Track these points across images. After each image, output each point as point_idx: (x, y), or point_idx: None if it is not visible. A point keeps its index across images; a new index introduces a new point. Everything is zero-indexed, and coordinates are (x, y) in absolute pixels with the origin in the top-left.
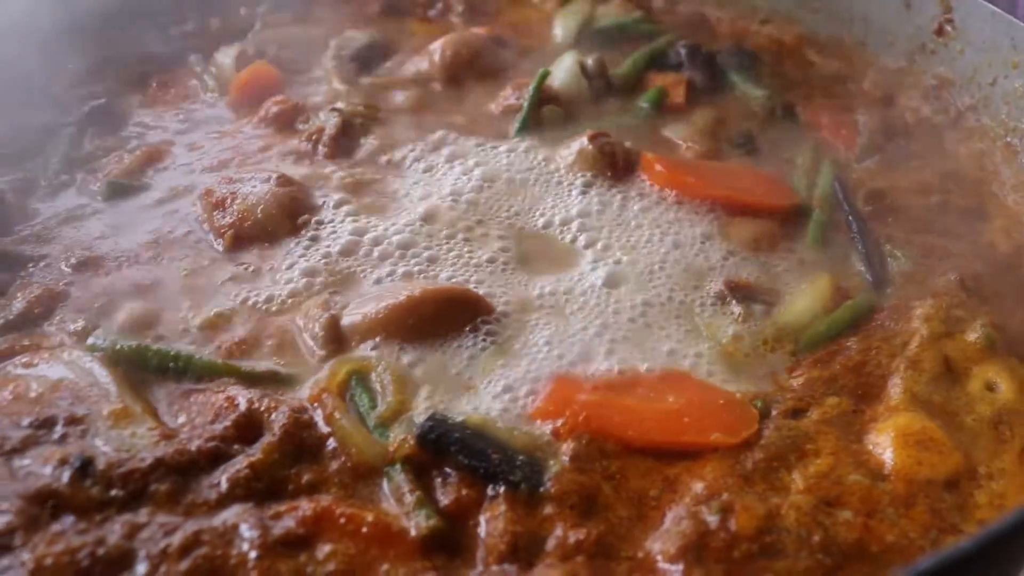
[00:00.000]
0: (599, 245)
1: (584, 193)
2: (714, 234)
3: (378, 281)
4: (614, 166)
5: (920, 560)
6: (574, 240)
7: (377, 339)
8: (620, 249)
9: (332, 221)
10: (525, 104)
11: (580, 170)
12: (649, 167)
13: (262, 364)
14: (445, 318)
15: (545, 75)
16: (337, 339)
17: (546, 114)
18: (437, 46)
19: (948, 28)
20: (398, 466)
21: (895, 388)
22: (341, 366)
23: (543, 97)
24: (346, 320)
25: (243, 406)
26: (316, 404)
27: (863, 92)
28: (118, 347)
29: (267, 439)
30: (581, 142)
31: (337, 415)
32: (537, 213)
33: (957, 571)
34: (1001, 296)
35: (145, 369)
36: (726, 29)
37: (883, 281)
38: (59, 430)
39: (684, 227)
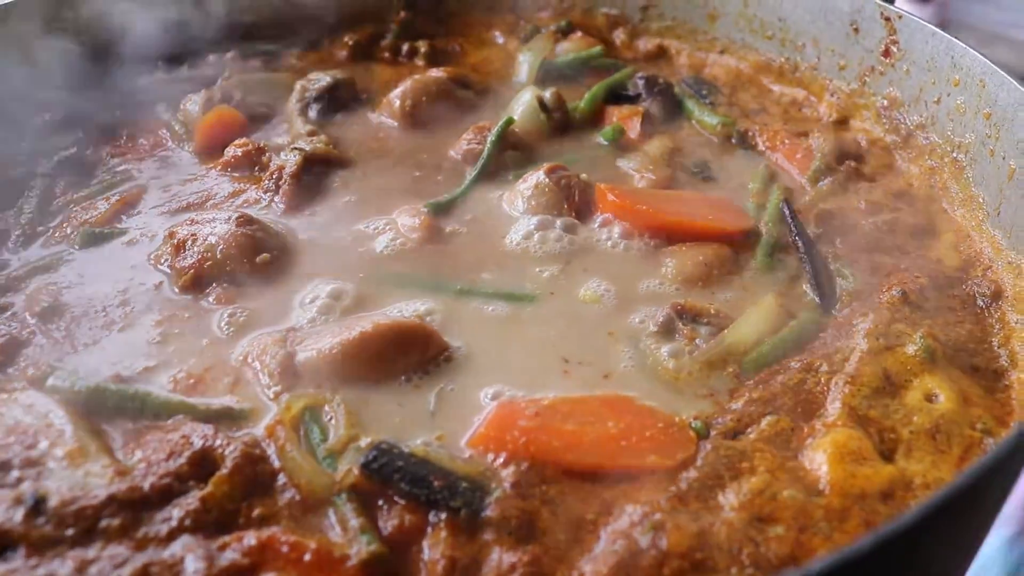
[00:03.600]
0: (550, 274)
1: (538, 226)
2: (664, 260)
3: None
4: (570, 198)
5: (812, 562)
6: (526, 270)
7: (331, 374)
8: (570, 277)
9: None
10: (486, 150)
11: (537, 203)
12: (602, 197)
13: (218, 401)
14: (398, 352)
15: (509, 122)
16: (292, 375)
17: (508, 160)
18: (397, 94)
19: (894, 49)
20: (344, 495)
21: (833, 404)
22: (295, 401)
23: (506, 143)
24: (300, 356)
25: (198, 443)
26: (270, 438)
27: (819, 116)
28: (76, 388)
29: (218, 473)
30: (538, 176)
31: (288, 447)
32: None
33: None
34: (946, 309)
35: (103, 408)
36: (685, 60)
37: (830, 300)
38: (15, 474)
39: (636, 253)
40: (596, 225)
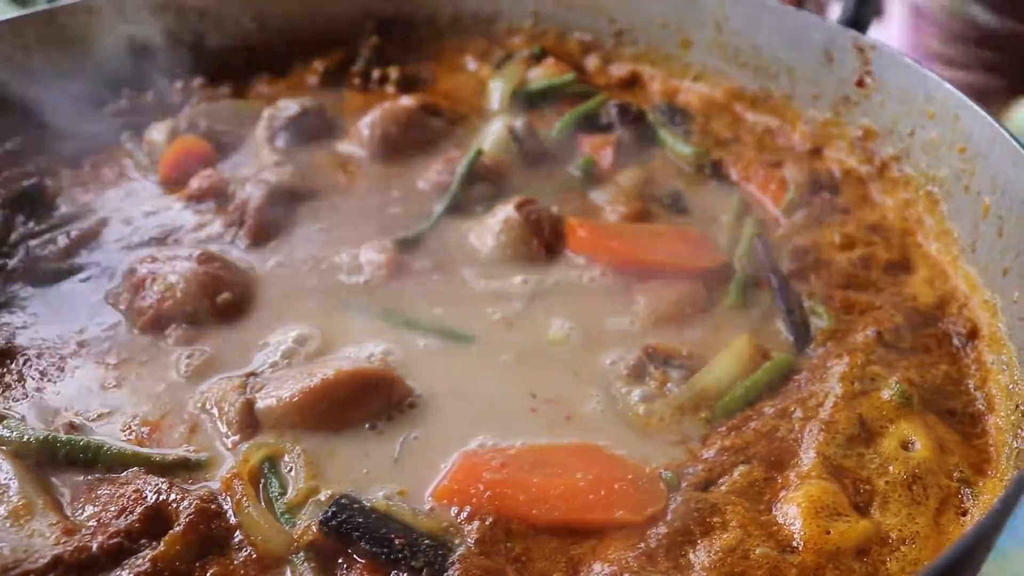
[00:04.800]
0: (520, 311)
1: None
2: (636, 298)
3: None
4: (539, 234)
5: None
6: (493, 307)
7: (292, 423)
8: (538, 315)
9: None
10: (454, 183)
11: (506, 238)
12: (572, 233)
13: (173, 451)
14: (361, 400)
15: (478, 154)
16: (251, 423)
17: (477, 192)
18: (366, 123)
19: (868, 80)
20: (303, 554)
21: (808, 453)
22: (253, 452)
23: (476, 174)
24: (260, 404)
25: (151, 498)
26: (226, 492)
27: (792, 146)
28: (25, 438)
29: (171, 532)
30: (507, 211)
31: (245, 502)
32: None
33: None
34: (921, 349)
35: (53, 460)
36: (658, 87)
37: (805, 340)
38: None
39: (606, 291)
40: (566, 261)
